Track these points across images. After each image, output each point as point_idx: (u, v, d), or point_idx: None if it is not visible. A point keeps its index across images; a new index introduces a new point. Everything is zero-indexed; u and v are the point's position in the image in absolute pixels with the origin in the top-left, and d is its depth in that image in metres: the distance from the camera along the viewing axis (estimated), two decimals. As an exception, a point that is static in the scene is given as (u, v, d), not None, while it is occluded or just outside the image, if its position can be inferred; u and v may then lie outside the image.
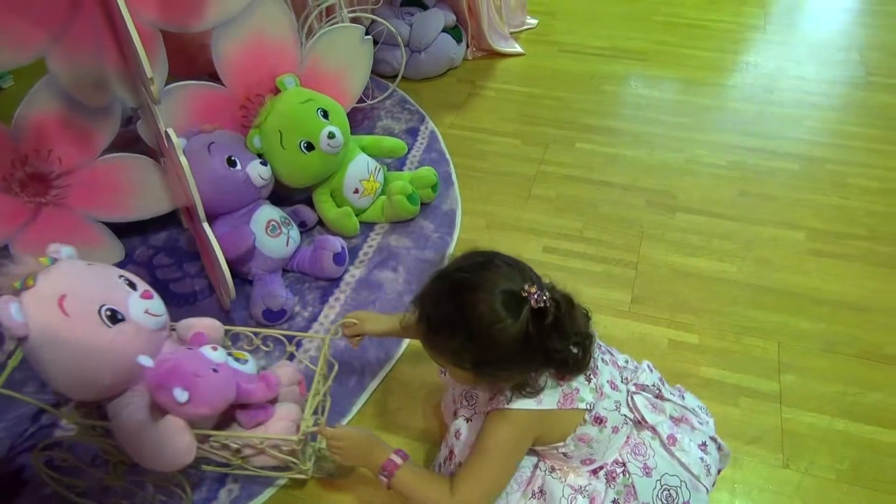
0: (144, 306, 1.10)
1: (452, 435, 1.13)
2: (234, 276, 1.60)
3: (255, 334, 1.36)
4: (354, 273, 1.77)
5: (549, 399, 0.97)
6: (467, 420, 1.13)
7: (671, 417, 1.10)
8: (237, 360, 1.20)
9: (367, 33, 1.98)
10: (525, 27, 2.98)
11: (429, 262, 1.78)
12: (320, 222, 1.90)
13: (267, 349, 1.41)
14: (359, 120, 2.34)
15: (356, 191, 1.87)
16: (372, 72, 2.06)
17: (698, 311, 1.64)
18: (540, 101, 2.50)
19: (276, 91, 1.80)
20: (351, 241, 1.85)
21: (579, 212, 1.97)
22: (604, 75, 2.64)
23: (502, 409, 0.97)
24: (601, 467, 1.06)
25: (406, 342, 1.57)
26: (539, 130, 2.33)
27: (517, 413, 0.97)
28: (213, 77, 1.75)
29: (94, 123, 1.61)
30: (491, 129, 2.34)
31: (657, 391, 1.13)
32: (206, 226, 1.50)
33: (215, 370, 1.11)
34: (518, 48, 2.80)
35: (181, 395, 1.03)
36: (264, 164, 1.71)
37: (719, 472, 1.15)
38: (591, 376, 1.01)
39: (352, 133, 1.88)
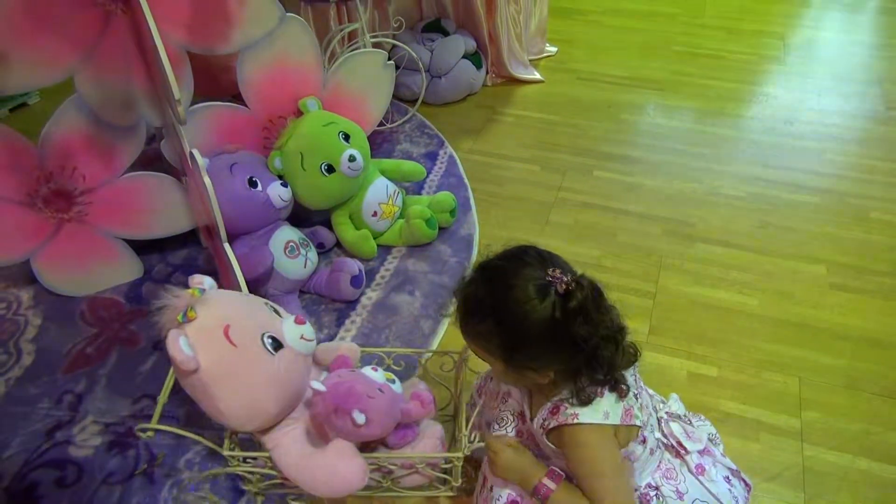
0: (300, 332, 1.10)
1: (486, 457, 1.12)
2: (251, 296, 1.61)
3: (388, 354, 1.35)
4: (371, 296, 1.76)
5: (614, 415, 0.97)
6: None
7: (697, 451, 1.10)
8: (388, 381, 1.20)
9: (388, 58, 2.00)
10: (544, 55, 3.00)
11: (446, 287, 1.77)
12: (338, 244, 1.91)
13: (398, 368, 1.39)
14: (378, 143, 2.36)
15: (375, 214, 1.87)
16: (392, 96, 2.08)
17: (717, 344, 1.62)
18: (558, 128, 2.51)
19: (299, 113, 1.82)
20: (368, 264, 1.85)
21: (597, 240, 1.96)
22: (622, 104, 2.65)
23: (575, 426, 0.96)
24: (635, 489, 1.05)
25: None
26: (557, 157, 2.33)
27: (591, 427, 0.96)
28: (237, 98, 1.77)
29: (119, 142, 1.62)
30: (509, 155, 2.35)
31: (688, 421, 1.14)
32: (227, 246, 1.50)
33: (381, 391, 1.11)
34: (537, 75, 2.82)
35: (360, 417, 1.03)
36: (285, 185, 1.72)
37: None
38: (638, 396, 1.01)
39: (371, 156, 1.89)
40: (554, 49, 3.03)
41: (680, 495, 1.04)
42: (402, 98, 2.58)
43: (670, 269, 1.85)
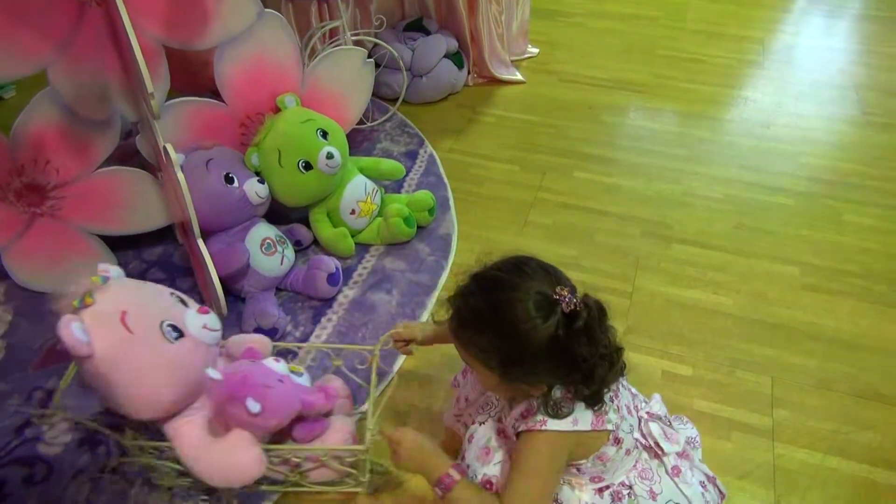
0: (202, 321, 1.09)
1: (466, 440, 1.12)
2: (226, 293, 1.60)
3: (336, 352, 1.36)
4: (348, 294, 1.76)
5: (583, 421, 0.97)
6: (481, 423, 1.11)
7: (675, 453, 1.10)
8: (293, 373, 1.19)
9: (369, 56, 2.00)
10: (526, 55, 3.00)
11: (423, 286, 1.77)
12: (315, 242, 1.90)
13: (312, 364, 1.39)
14: (358, 142, 2.35)
15: (353, 212, 1.87)
16: (373, 94, 2.08)
17: (692, 343, 1.64)
18: (539, 128, 2.51)
19: (277, 110, 1.81)
20: (346, 262, 1.84)
21: (575, 240, 1.97)
22: (603, 106, 2.66)
23: (538, 432, 0.96)
24: (608, 486, 1.05)
25: (400, 363, 1.56)
26: (537, 158, 2.34)
27: (554, 434, 0.96)
28: (215, 94, 1.76)
29: (93, 136, 1.61)
30: (489, 155, 2.35)
31: (668, 423, 1.14)
32: (200, 242, 1.49)
33: (281, 381, 1.10)
34: (519, 76, 2.82)
35: (254, 405, 1.02)
36: (262, 182, 1.71)
37: None
38: (614, 398, 1.01)
39: (350, 154, 1.89)
40: (536, 50, 3.04)
41: (653, 495, 1.04)
42: (382, 97, 2.58)
43: (647, 270, 1.86)
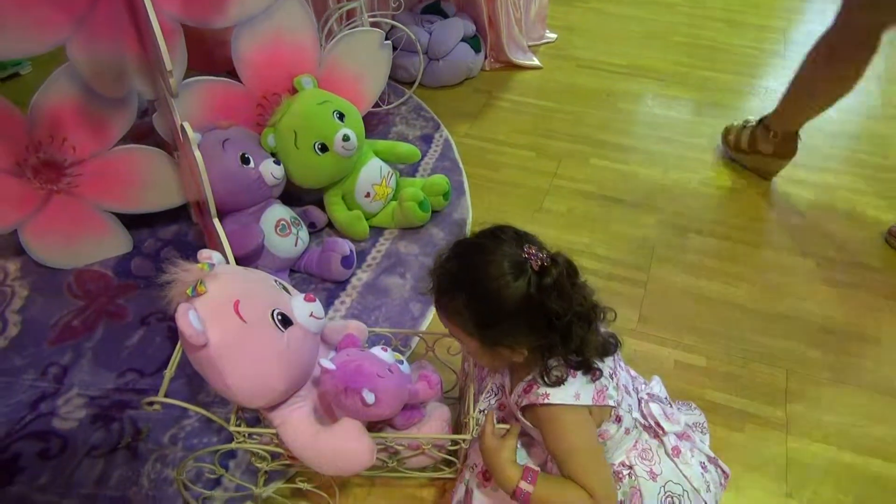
0: (310, 309, 1.08)
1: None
2: (241, 273, 1.60)
3: (395, 335, 1.35)
4: (361, 277, 1.76)
5: (585, 395, 0.97)
6: (481, 411, 1.12)
7: (676, 433, 1.11)
8: (396, 361, 1.19)
9: (386, 38, 1.98)
10: (544, 41, 2.98)
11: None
12: (330, 224, 1.89)
13: (405, 349, 1.38)
14: (374, 124, 2.34)
15: (368, 195, 1.86)
16: (389, 77, 2.06)
17: (706, 334, 1.62)
18: (555, 115, 2.49)
19: (294, 91, 1.80)
20: (360, 245, 1.84)
21: (590, 228, 1.95)
22: (620, 93, 2.63)
23: (547, 406, 0.97)
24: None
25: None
26: (553, 144, 2.32)
27: (560, 409, 0.97)
28: (232, 74, 1.75)
29: (110, 114, 1.60)
30: (505, 140, 2.34)
31: (668, 404, 1.15)
32: (216, 222, 1.49)
33: (390, 371, 1.10)
34: (536, 61, 2.80)
35: (369, 396, 1.02)
36: (277, 163, 1.71)
37: (722, 490, 1.14)
38: (613, 375, 1.02)
39: (366, 137, 1.88)
40: (554, 36, 3.01)
41: (653, 476, 1.05)
42: (398, 80, 2.56)
43: (662, 259, 1.84)
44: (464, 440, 1.13)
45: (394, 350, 1.20)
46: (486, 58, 2.74)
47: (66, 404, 1.42)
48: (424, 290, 1.02)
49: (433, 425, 1.19)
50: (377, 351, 1.15)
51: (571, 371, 0.97)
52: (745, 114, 2.48)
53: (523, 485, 0.98)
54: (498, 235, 0.95)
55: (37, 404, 1.42)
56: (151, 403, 1.03)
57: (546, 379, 0.96)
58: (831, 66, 1.89)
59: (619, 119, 2.48)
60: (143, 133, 1.80)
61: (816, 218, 2.00)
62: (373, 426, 1.14)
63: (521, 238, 0.95)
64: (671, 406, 1.15)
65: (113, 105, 1.60)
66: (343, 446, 1.06)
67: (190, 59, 1.62)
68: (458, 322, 0.98)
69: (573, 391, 0.97)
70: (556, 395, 0.96)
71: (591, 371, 0.98)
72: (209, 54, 1.98)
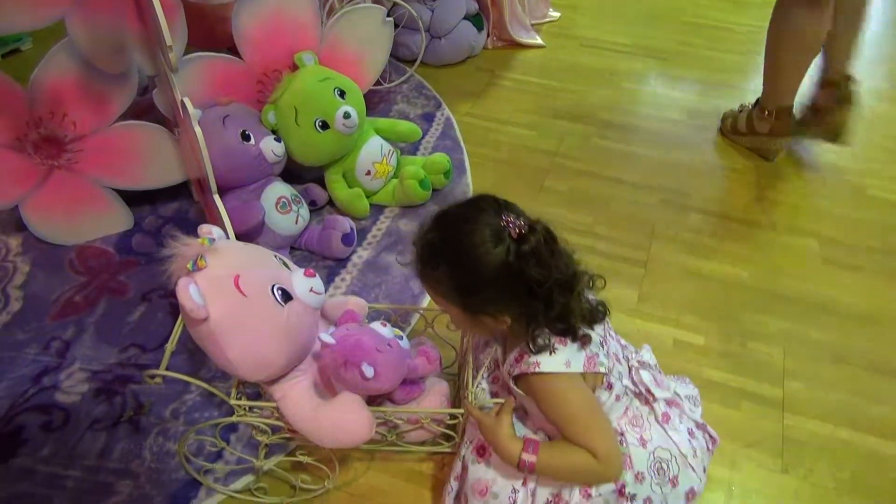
0: (309, 284, 1.09)
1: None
2: (241, 250, 1.60)
3: (395, 311, 1.35)
4: (362, 255, 1.76)
5: (576, 363, 0.98)
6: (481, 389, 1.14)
7: (665, 400, 1.12)
8: (396, 336, 1.19)
9: (388, 15, 1.97)
10: (547, 20, 2.96)
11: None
12: (331, 202, 1.90)
13: (405, 325, 1.38)
14: (375, 103, 2.33)
15: (368, 173, 1.86)
16: (391, 55, 2.05)
17: (706, 313, 1.63)
18: (558, 94, 2.48)
19: (294, 68, 1.79)
20: (360, 223, 1.84)
21: (591, 207, 1.95)
22: (623, 72, 2.62)
23: (538, 375, 0.97)
24: None
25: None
26: (555, 124, 2.31)
27: (552, 377, 0.98)
28: (232, 51, 1.74)
29: (111, 90, 1.60)
30: (507, 119, 2.33)
31: (658, 372, 1.16)
32: (216, 198, 1.49)
33: (390, 346, 1.11)
34: (539, 40, 2.78)
35: (368, 370, 1.03)
36: (278, 140, 1.70)
37: (709, 456, 1.15)
38: (604, 343, 1.03)
39: (367, 115, 1.87)
40: (557, 14, 2.99)
41: (643, 442, 1.06)
42: (400, 58, 2.55)
43: (663, 239, 1.84)
44: (462, 414, 1.14)
45: (393, 326, 1.20)
46: (488, 36, 2.72)
47: (69, 378, 1.43)
48: (405, 261, 1.02)
49: (432, 400, 1.20)
50: (377, 326, 1.16)
51: (560, 339, 0.98)
52: (748, 94, 2.47)
53: (525, 456, 0.99)
54: (478, 205, 0.96)
55: (39, 378, 1.43)
56: (153, 376, 1.04)
57: (533, 345, 0.97)
58: (786, 27, 1.94)
59: (622, 99, 2.47)
60: (143, 110, 1.79)
61: (821, 198, 2.00)
62: (372, 400, 1.15)
63: (501, 207, 0.96)
64: (661, 373, 1.16)
65: (113, 81, 1.59)
66: (342, 419, 1.07)
67: (190, 36, 1.61)
68: (441, 291, 0.99)
69: (563, 359, 0.97)
70: (547, 364, 0.97)
71: (580, 338, 0.99)
72: (209, 30, 1.96)
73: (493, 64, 2.65)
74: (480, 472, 1.08)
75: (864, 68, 2.64)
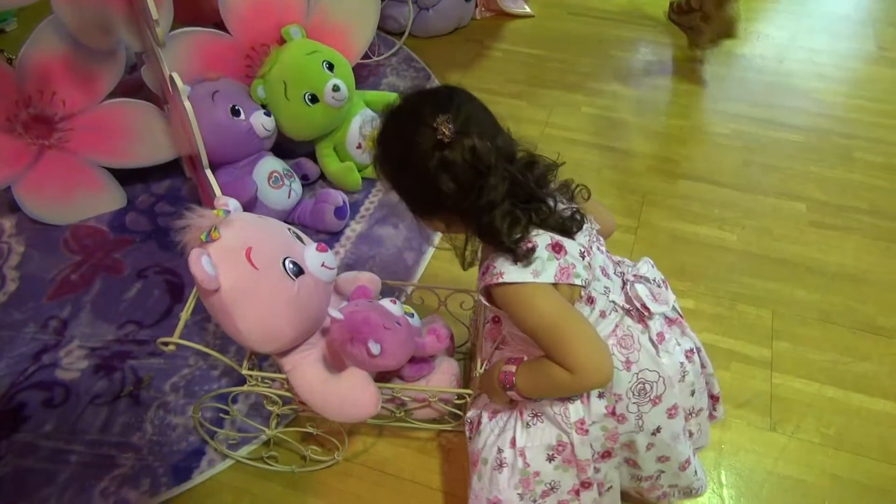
0: (321, 259, 1.09)
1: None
2: (235, 225, 1.61)
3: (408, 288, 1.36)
4: (355, 228, 1.77)
5: (546, 273, 0.90)
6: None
7: (665, 317, 1.04)
8: (406, 314, 1.20)
9: (375, -13, 1.96)
10: (535, -12, 2.93)
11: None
12: (323, 176, 1.90)
13: (418, 304, 1.38)
14: (364, 76, 2.32)
15: (359, 146, 1.86)
16: (378, 28, 2.05)
17: (696, 277, 1.65)
18: (547, 63, 2.48)
19: (282, 41, 1.78)
20: (353, 196, 1.85)
21: (581, 175, 1.91)
22: (612, 40, 2.61)
23: (504, 285, 0.90)
24: None
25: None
26: (545, 93, 2.31)
27: (517, 287, 0.90)
28: (219, 26, 1.73)
29: (99, 67, 1.60)
30: (497, 90, 2.33)
31: (658, 284, 1.04)
32: (208, 173, 1.50)
33: (398, 323, 1.11)
34: (527, 9, 2.77)
35: (375, 347, 1.04)
36: (268, 114, 1.71)
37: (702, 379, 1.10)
38: (585, 255, 0.94)
39: (357, 89, 1.87)
40: (545, -17, 2.96)
41: (628, 365, 0.97)
42: (388, 30, 2.54)
43: (653, 205, 1.86)
44: (468, 393, 1.14)
45: (403, 303, 1.21)
46: (476, 7, 2.71)
47: (68, 356, 1.45)
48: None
49: (441, 378, 1.20)
50: (386, 303, 1.16)
51: (528, 248, 0.90)
52: (738, 59, 2.48)
53: (506, 367, 0.97)
54: (424, 95, 0.92)
55: (39, 356, 1.45)
56: (167, 344, 1.06)
57: (504, 258, 0.90)
58: None
59: (612, 66, 2.47)
60: (132, 88, 1.79)
61: (808, 162, 2.01)
62: (381, 377, 1.16)
63: (444, 107, 0.87)
64: (661, 286, 1.04)
65: (100, 58, 1.59)
66: (349, 394, 1.09)
67: (177, 11, 1.60)
68: (394, 190, 0.96)
69: (531, 268, 0.89)
70: (512, 274, 0.89)
71: (550, 247, 0.91)
72: (196, 5, 1.95)
73: (481, 34, 2.64)
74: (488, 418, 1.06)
75: (852, 30, 2.66)
